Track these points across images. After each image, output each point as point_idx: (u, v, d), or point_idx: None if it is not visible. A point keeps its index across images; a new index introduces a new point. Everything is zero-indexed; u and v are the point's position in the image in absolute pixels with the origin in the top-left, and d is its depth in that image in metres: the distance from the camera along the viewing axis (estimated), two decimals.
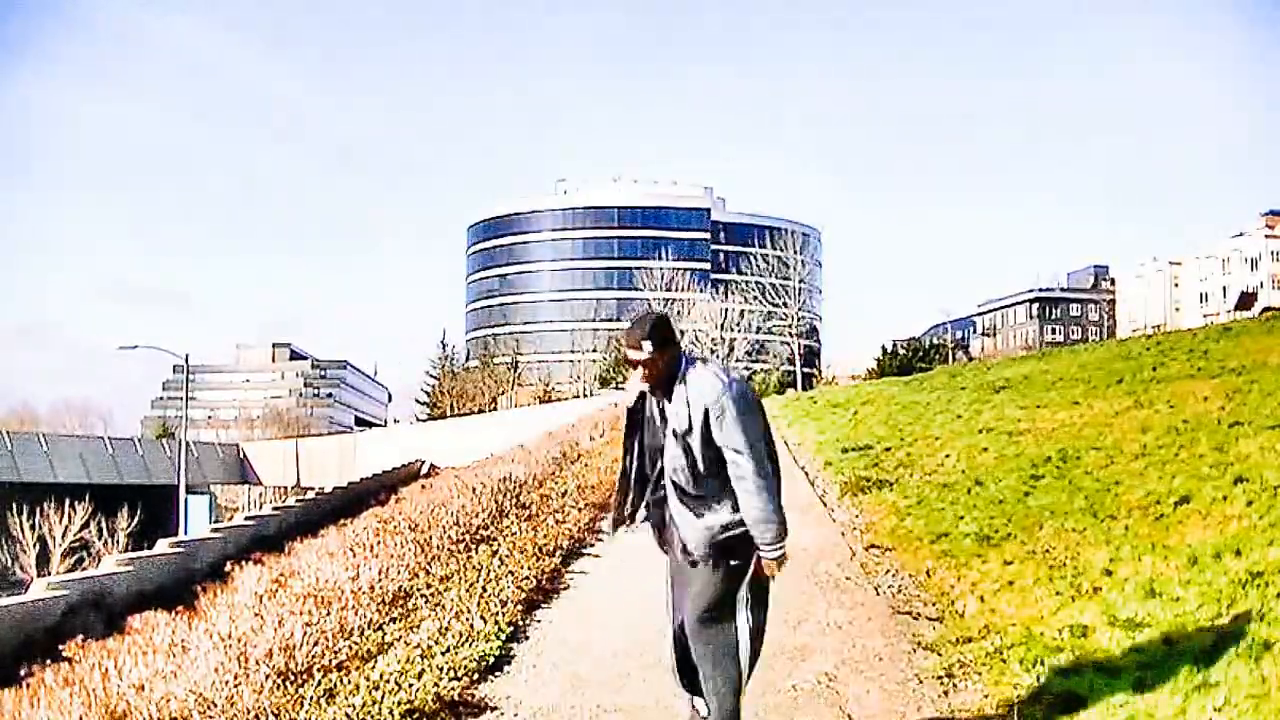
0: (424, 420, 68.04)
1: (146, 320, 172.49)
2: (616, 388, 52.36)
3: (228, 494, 55.19)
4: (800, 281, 61.66)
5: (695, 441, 3.50)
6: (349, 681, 5.19)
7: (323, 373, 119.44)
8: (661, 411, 3.61)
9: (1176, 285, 79.07)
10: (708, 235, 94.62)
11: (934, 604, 6.41)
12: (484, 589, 7.22)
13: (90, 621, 12.25)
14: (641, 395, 3.69)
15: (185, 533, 27.94)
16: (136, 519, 36.23)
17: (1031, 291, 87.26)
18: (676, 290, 68.28)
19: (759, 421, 3.59)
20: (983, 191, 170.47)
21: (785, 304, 57.50)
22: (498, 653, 5.73)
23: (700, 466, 3.53)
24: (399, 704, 4.73)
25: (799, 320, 58.55)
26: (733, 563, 3.59)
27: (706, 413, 3.46)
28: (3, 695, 7.62)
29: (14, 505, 34.41)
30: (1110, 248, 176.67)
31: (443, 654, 5.61)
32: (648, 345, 3.47)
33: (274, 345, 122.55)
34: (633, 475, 3.77)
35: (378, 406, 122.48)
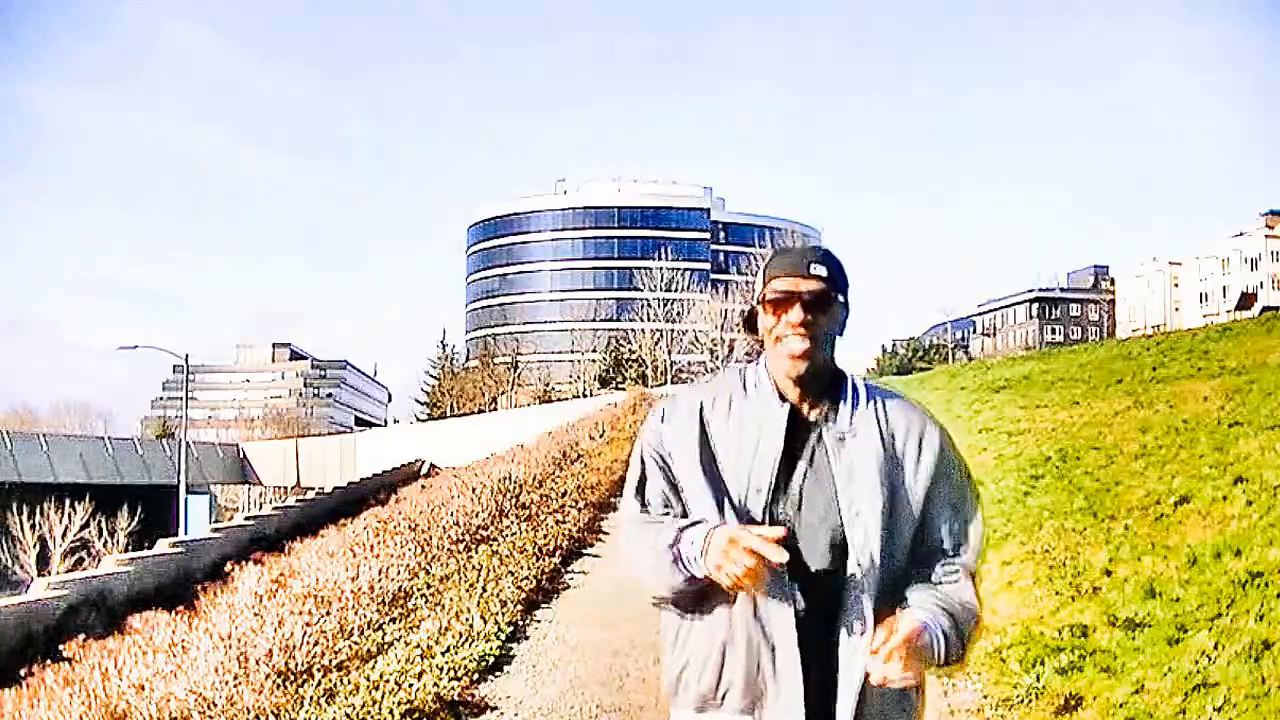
0: (424, 420, 68.04)
1: (147, 320, 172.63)
2: (617, 388, 52.37)
3: (228, 494, 55.16)
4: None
5: (900, 504, 1.81)
6: (349, 681, 5.19)
7: (323, 373, 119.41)
8: (805, 447, 1.83)
9: (1176, 285, 79.05)
10: (708, 235, 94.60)
11: None
12: (484, 589, 7.22)
13: (90, 621, 12.25)
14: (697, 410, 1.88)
15: (185, 533, 27.92)
16: (136, 519, 36.20)
17: (1031, 291, 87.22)
18: (676, 290, 68.25)
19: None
20: (983, 191, 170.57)
21: None
22: (498, 653, 5.73)
23: (893, 551, 1.80)
24: (399, 704, 4.73)
25: None
26: None
27: (943, 453, 1.85)
28: (3, 695, 7.62)
29: (14, 505, 34.41)
30: (1110, 248, 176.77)
31: (443, 654, 5.61)
32: (821, 269, 1.82)
33: (274, 345, 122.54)
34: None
35: (378, 406, 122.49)
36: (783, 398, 1.84)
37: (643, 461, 1.90)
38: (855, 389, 1.87)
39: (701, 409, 1.86)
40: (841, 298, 1.84)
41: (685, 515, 1.83)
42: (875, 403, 1.86)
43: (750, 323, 1.89)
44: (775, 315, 1.82)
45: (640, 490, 1.89)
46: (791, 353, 1.79)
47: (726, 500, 1.79)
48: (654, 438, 1.90)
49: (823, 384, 1.85)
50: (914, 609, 1.75)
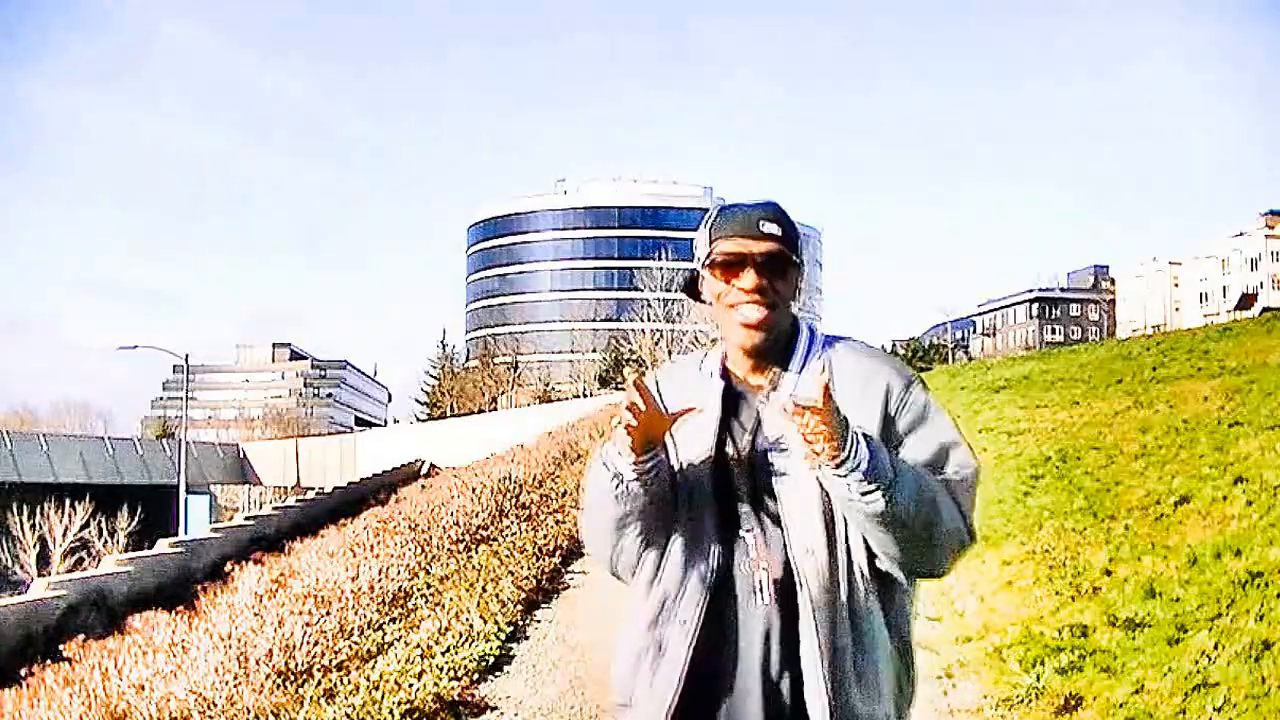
0: (424, 420, 68.04)
1: (147, 320, 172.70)
2: (616, 388, 52.35)
3: (228, 494, 55.15)
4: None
5: None
6: (349, 681, 5.19)
7: (323, 373, 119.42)
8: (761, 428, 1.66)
9: (1176, 285, 79.03)
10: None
11: (933, 603, 6.40)
12: (484, 589, 7.22)
13: (90, 621, 12.25)
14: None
15: (185, 533, 27.92)
16: (136, 519, 36.19)
17: (1031, 291, 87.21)
18: (676, 290, 68.13)
19: None
20: (983, 191, 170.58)
21: None
22: (498, 653, 5.73)
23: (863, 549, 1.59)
24: (399, 704, 4.73)
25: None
26: None
27: (887, 402, 1.62)
28: (3, 695, 7.62)
29: (14, 505, 34.42)
30: (1110, 248, 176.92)
31: (443, 654, 5.61)
32: (773, 228, 1.65)
33: (274, 345, 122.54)
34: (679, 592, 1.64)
35: (378, 406, 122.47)
36: (725, 373, 1.69)
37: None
38: (809, 347, 1.69)
39: (658, 386, 1.75)
40: (797, 258, 1.67)
41: None
42: (822, 362, 1.62)
43: (692, 288, 1.71)
44: (725, 280, 1.64)
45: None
46: (746, 320, 1.62)
47: (680, 475, 1.66)
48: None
49: (779, 348, 1.68)
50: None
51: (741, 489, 1.64)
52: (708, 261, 1.66)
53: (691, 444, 1.65)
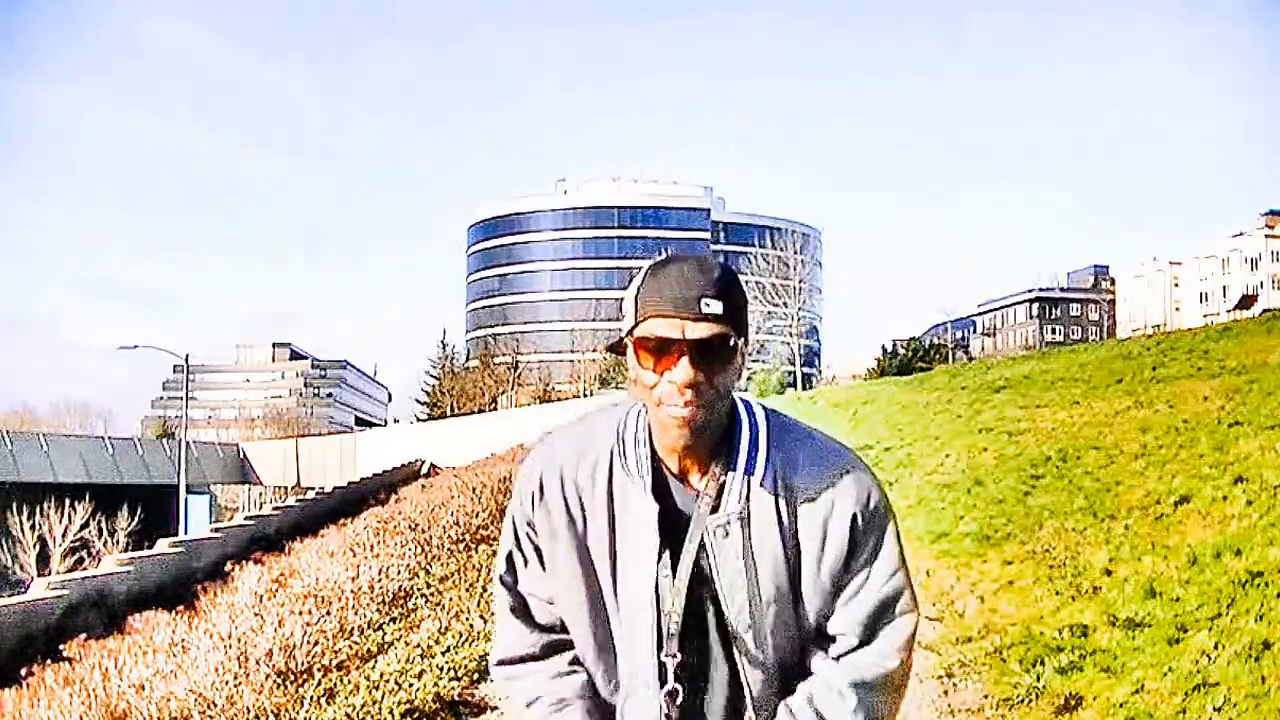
0: (424, 420, 68.05)
1: (147, 320, 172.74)
2: (617, 387, 52.38)
3: (228, 494, 55.19)
4: (800, 281, 61.60)
5: (810, 588, 1.43)
6: (349, 681, 5.20)
7: (323, 373, 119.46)
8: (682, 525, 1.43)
9: (1176, 285, 79.07)
10: (708, 235, 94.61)
11: (934, 603, 6.41)
12: (484, 589, 7.22)
13: (90, 621, 12.26)
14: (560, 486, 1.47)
15: (185, 533, 27.93)
16: (136, 519, 36.20)
17: (1031, 291, 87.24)
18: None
19: None
20: (983, 191, 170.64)
21: (785, 304, 57.45)
22: None
23: (798, 631, 1.46)
24: (399, 704, 4.73)
25: (799, 320, 58.48)
26: None
27: (854, 528, 1.42)
28: (3, 695, 7.62)
29: (14, 505, 34.42)
30: (1110, 248, 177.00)
31: (443, 654, 5.62)
32: (716, 306, 1.33)
33: (274, 345, 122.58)
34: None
35: (378, 406, 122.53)
36: (657, 477, 1.40)
37: (515, 536, 1.49)
38: (753, 446, 1.41)
39: (564, 480, 1.43)
40: (743, 340, 1.36)
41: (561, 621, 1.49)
42: (774, 467, 1.40)
43: (619, 348, 1.41)
44: (654, 369, 1.34)
45: (511, 569, 1.51)
46: (675, 420, 1.33)
47: (604, 612, 1.42)
48: (523, 509, 1.46)
49: (715, 442, 1.40)
50: None
51: (673, 627, 1.39)
52: (632, 340, 1.36)
53: (636, 583, 1.40)
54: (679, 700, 1.39)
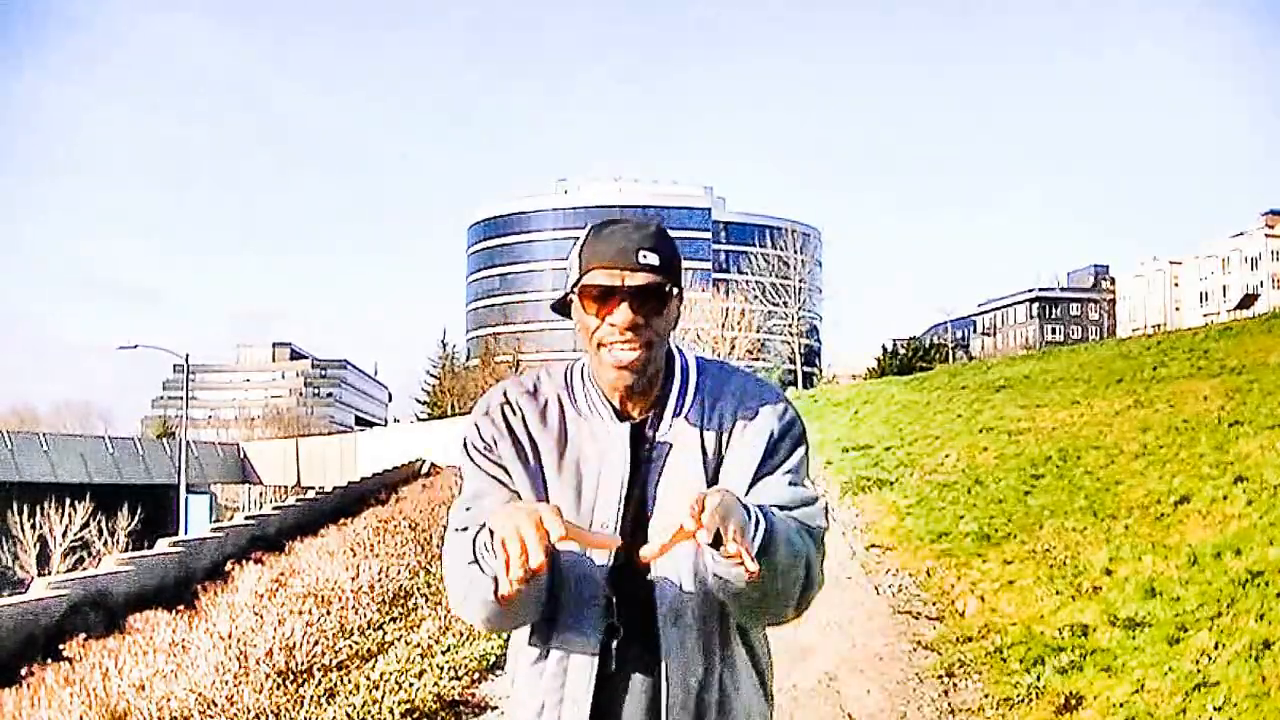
0: (424, 419, 68.05)
1: (146, 320, 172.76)
2: None
3: (228, 494, 55.19)
4: (801, 281, 61.60)
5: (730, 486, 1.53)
6: (349, 681, 5.20)
7: (323, 372, 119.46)
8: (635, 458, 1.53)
9: (1176, 285, 79.06)
10: (709, 235, 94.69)
11: (934, 603, 6.41)
12: None
13: (91, 621, 12.25)
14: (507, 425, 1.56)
15: (185, 532, 27.92)
16: (136, 519, 36.20)
17: (1031, 291, 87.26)
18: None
19: None
20: (983, 191, 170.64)
21: (786, 303, 57.47)
22: (498, 652, 5.73)
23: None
24: (399, 704, 4.73)
25: (799, 319, 58.51)
26: None
27: (773, 444, 1.54)
28: (3, 695, 7.62)
29: (14, 505, 34.42)
30: (1110, 248, 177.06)
31: (443, 654, 5.62)
32: (652, 258, 1.48)
33: (274, 345, 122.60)
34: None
35: (378, 406, 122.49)
36: (616, 411, 1.52)
37: (478, 469, 1.54)
38: (684, 382, 1.56)
39: (525, 419, 1.54)
40: (677, 289, 1.51)
41: None
42: (703, 396, 1.55)
43: (564, 307, 1.55)
44: (597, 315, 1.48)
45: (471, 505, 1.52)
46: (618, 363, 1.47)
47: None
48: (480, 442, 1.54)
49: (653, 384, 1.53)
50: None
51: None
52: (577, 290, 1.49)
53: (601, 508, 1.49)
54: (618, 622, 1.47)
